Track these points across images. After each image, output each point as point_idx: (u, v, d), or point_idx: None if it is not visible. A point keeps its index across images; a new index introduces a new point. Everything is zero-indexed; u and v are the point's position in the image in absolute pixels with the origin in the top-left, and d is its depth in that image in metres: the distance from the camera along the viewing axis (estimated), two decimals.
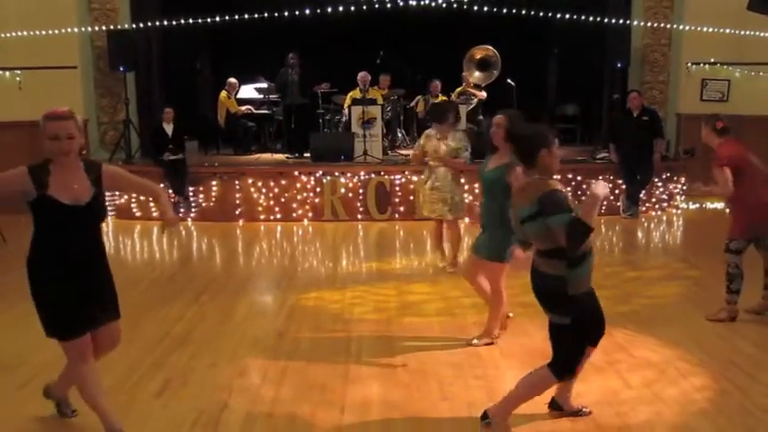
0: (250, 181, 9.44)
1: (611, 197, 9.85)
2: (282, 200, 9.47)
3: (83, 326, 3.33)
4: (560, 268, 3.34)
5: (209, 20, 9.72)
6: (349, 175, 9.49)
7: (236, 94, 11.74)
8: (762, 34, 9.84)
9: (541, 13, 10.12)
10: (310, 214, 9.47)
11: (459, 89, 11.48)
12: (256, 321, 5.41)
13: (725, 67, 10.94)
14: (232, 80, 11.59)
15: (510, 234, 3.90)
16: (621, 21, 10.71)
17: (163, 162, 9.31)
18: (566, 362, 3.44)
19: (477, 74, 11.10)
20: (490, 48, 11.00)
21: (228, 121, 11.49)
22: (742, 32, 10.06)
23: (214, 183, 9.48)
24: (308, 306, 5.80)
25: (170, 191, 9.18)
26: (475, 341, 4.78)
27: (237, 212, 9.43)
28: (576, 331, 3.39)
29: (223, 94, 11.50)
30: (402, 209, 9.48)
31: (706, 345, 4.75)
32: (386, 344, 4.84)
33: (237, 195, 9.45)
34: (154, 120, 10.44)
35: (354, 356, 4.63)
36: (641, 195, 9.80)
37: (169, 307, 5.71)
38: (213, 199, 9.50)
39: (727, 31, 10.11)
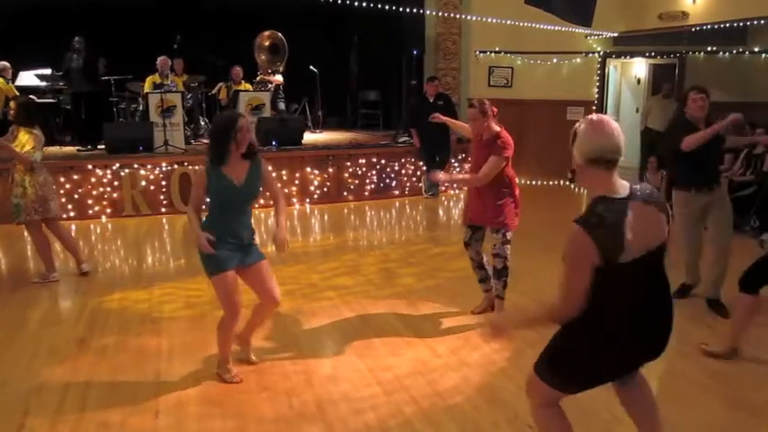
0: None
1: (414, 178, 10.39)
2: (76, 196, 8.74)
3: None
4: None
5: None
6: (150, 166, 8.99)
7: (13, 81, 10.55)
8: (538, 26, 10.87)
9: (339, 1, 10.29)
10: (109, 210, 8.86)
11: (257, 78, 11.44)
12: (53, 330, 4.94)
13: (508, 55, 11.95)
14: (5, 63, 10.38)
15: None
16: (415, 10, 11.24)
17: None
18: None
19: (264, 58, 11.18)
20: (277, 33, 11.11)
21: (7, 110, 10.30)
22: (521, 24, 11.04)
23: None
24: (112, 308, 5.43)
25: None
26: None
27: None
28: None
29: None
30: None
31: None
32: (200, 340, 4.67)
33: None
34: None
35: (166, 356, 4.42)
36: None
37: None
38: None
39: (509, 22, 11.04)
